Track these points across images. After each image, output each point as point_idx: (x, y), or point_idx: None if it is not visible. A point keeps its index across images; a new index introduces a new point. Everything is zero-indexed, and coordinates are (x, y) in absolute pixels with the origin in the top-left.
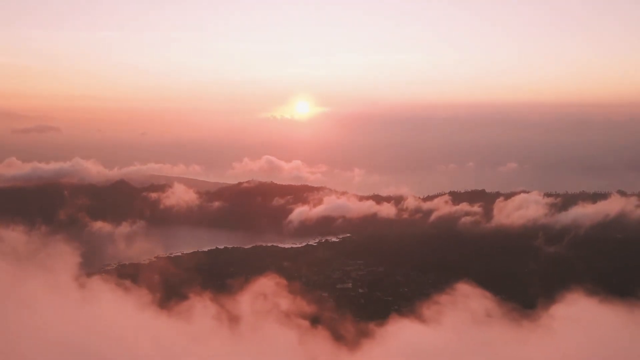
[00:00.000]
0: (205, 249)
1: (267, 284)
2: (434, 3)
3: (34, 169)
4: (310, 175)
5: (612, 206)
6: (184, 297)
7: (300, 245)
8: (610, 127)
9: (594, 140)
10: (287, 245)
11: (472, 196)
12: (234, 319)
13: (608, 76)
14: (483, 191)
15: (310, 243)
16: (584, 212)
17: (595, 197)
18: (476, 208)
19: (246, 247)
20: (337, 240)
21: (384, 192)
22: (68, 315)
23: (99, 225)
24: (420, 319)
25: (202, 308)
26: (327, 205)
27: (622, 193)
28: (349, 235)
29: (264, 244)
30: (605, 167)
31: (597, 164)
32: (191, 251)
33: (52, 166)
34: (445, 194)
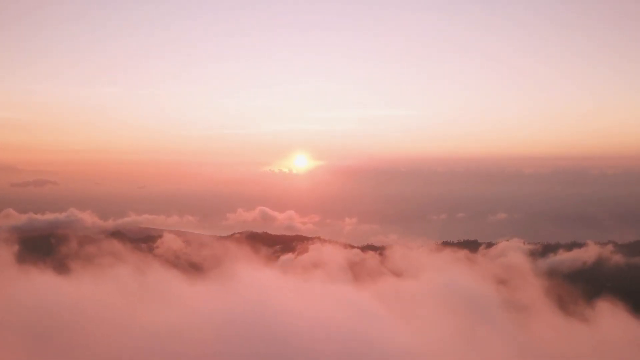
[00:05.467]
0: None
1: None
2: (429, 59)
3: (29, 219)
4: (303, 225)
5: (589, 253)
6: None
7: None
8: (604, 179)
9: (587, 193)
10: None
11: (463, 245)
12: None
13: (603, 129)
14: (475, 241)
15: None
16: (561, 259)
17: (580, 246)
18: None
19: None
20: None
21: (373, 241)
22: None
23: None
24: None
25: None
26: (313, 253)
27: (614, 243)
28: None
29: None
30: (597, 218)
31: (589, 215)
32: None
33: (48, 217)
34: (432, 242)
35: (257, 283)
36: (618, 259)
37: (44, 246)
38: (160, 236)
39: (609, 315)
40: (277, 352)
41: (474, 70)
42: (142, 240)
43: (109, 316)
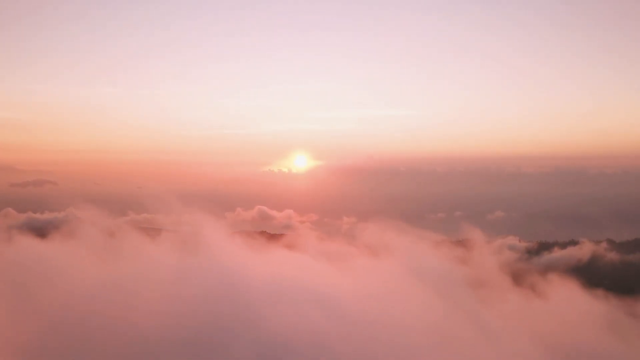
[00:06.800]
0: None
1: None
2: (429, 59)
3: (28, 218)
4: (301, 224)
5: (584, 251)
6: None
7: None
8: (603, 179)
9: (586, 192)
10: None
11: (461, 243)
12: None
13: (602, 129)
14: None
15: None
16: (556, 257)
17: (574, 244)
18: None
19: None
20: None
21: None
22: None
23: None
24: None
25: None
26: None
27: (609, 241)
28: None
29: None
30: (596, 217)
31: (587, 214)
32: None
33: (47, 216)
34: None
35: (226, 251)
36: (613, 256)
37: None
38: (158, 235)
39: (564, 291)
40: (227, 310)
41: (474, 70)
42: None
43: (73, 271)
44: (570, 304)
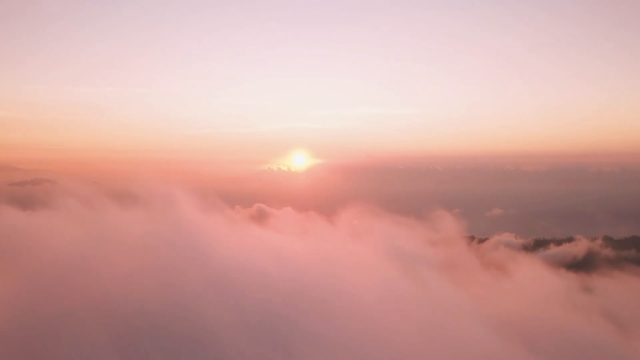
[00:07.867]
0: None
1: None
2: (430, 58)
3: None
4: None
5: (579, 248)
6: None
7: None
8: (602, 177)
9: (584, 190)
10: None
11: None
12: None
13: (601, 128)
14: (472, 237)
15: None
16: (552, 253)
17: (570, 240)
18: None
19: None
20: None
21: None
22: None
23: None
24: None
25: None
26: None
27: (606, 238)
28: None
29: None
30: (594, 215)
31: (586, 212)
32: None
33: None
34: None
35: (199, 224)
36: (608, 253)
37: None
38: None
39: (531, 272)
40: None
41: (473, 70)
42: None
43: (50, 239)
44: (534, 283)
